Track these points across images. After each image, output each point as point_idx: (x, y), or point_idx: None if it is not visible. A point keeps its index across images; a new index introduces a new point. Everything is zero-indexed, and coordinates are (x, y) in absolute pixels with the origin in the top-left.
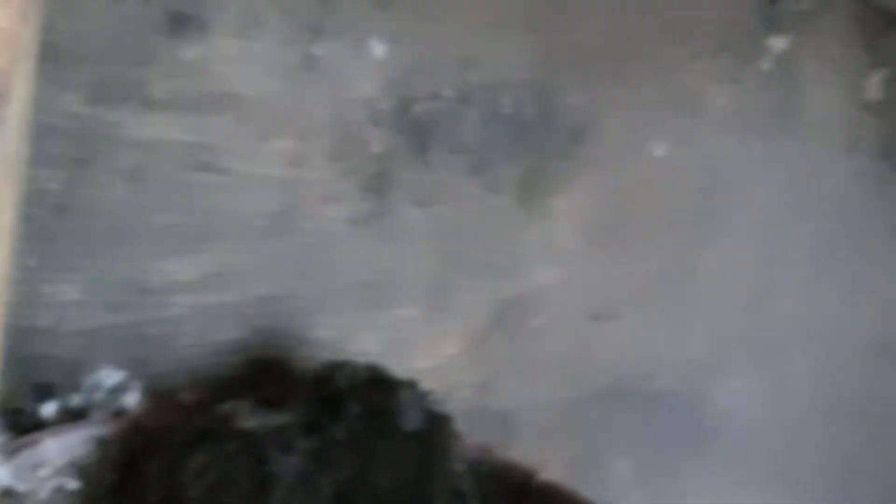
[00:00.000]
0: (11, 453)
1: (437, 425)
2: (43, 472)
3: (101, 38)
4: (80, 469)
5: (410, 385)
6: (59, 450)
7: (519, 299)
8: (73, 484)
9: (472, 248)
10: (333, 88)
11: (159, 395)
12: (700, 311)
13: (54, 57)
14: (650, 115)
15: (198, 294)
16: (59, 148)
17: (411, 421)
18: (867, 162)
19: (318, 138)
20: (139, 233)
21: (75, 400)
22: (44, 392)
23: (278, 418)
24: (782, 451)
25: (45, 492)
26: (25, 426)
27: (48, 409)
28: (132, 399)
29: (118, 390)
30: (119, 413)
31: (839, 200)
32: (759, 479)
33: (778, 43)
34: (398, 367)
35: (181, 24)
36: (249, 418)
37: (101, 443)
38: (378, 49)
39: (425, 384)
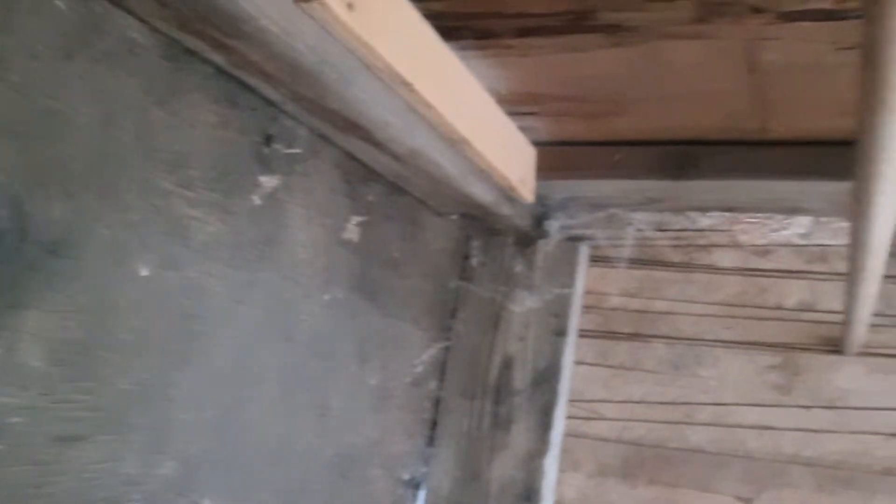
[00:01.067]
0: None
1: None
2: None
3: None
4: None
5: None
6: None
7: None
8: None
9: None
10: None
11: None
12: (173, 430)
13: None
14: (136, 235)
15: None
16: None
17: None
18: (341, 295)
19: None
20: None
21: None
22: None
23: None
24: None
25: None
26: None
27: None
28: None
29: None
30: None
31: (314, 328)
32: None
33: (269, 181)
34: None
35: None
36: None
37: None
38: None
39: None
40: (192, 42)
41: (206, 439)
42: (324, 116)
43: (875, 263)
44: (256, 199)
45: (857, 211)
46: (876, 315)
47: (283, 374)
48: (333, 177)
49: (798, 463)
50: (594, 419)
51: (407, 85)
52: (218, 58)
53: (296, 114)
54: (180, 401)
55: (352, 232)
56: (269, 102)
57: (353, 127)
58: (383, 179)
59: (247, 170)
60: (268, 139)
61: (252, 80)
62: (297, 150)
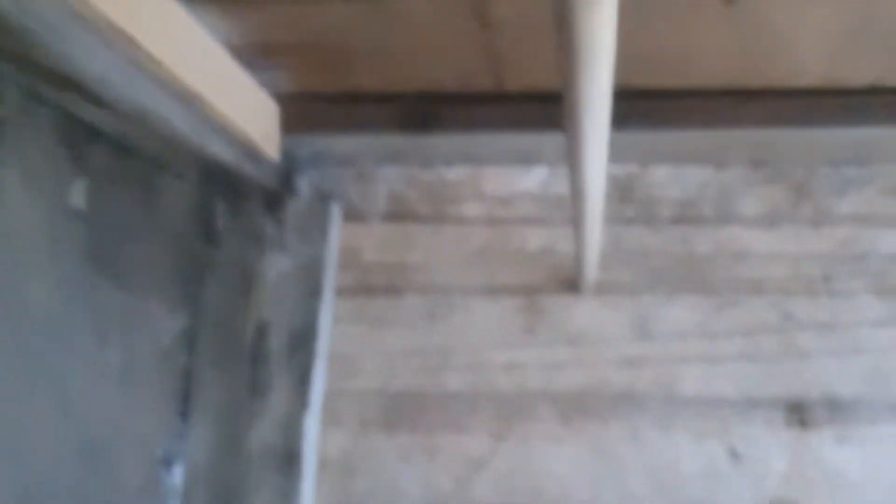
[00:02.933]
0: None
1: None
2: None
3: None
4: None
5: None
6: None
7: None
8: None
9: None
10: None
11: None
12: None
13: None
14: None
15: None
16: None
17: None
18: (73, 268)
19: None
20: None
21: None
22: None
23: None
24: None
25: None
26: None
27: None
28: None
29: None
30: None
31: (44, 307)
32: None
33: None
34: None
35: None
36: None
37: None
38: None
39: None
40: None
41: None
42: (36, 74)
43: (593, 208)
44: None
45: (572, 161)
46: (605, 255)
47: (13, 361)
48: (51, 140)
49: (544, 399)
50: (355, 375)
51: (128, 38)
52: None
53: (3, 72)
54: None
55: (78, 198)
56: None
57: (70, 84)
58: (111, 140)
59: None
60: None
61: None
62: (6, 112)
